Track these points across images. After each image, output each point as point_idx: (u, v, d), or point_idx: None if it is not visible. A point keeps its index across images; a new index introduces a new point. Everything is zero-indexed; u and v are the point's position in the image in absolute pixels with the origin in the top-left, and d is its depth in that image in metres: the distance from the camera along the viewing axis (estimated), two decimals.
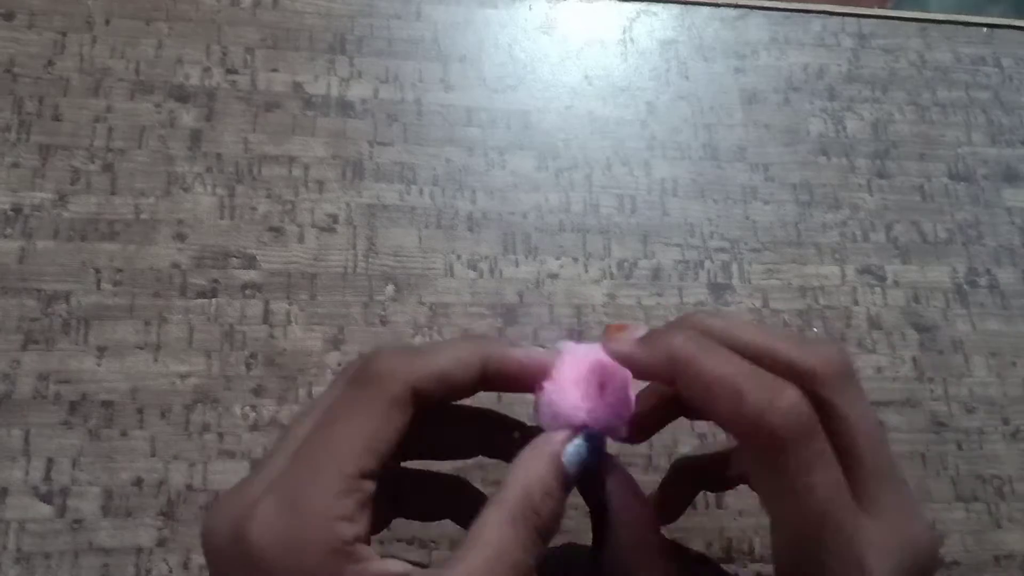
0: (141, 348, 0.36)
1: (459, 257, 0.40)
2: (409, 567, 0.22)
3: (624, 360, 0.24)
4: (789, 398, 0.20)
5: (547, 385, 0.25)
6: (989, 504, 0.39)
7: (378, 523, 0.27)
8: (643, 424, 0.27)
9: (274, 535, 0.20)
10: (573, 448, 0.24)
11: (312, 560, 0.20)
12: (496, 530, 0.22)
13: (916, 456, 0.39)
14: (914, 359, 0.42)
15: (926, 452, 0.40)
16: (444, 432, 0.28)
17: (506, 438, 0.28)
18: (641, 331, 0.24)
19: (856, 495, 0.22)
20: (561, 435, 0.24)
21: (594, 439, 0.24)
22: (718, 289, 0.42)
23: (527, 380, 0.25)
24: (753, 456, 0.22)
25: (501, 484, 0.23)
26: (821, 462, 0.21)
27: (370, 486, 0.22)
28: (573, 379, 0.24)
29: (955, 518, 0.38)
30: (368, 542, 0.22)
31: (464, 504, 0.29)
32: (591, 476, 0.25)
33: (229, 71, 0.42)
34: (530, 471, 0.23)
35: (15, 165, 0.38)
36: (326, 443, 0.22)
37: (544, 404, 0.25)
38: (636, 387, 0.26)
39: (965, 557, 0.38)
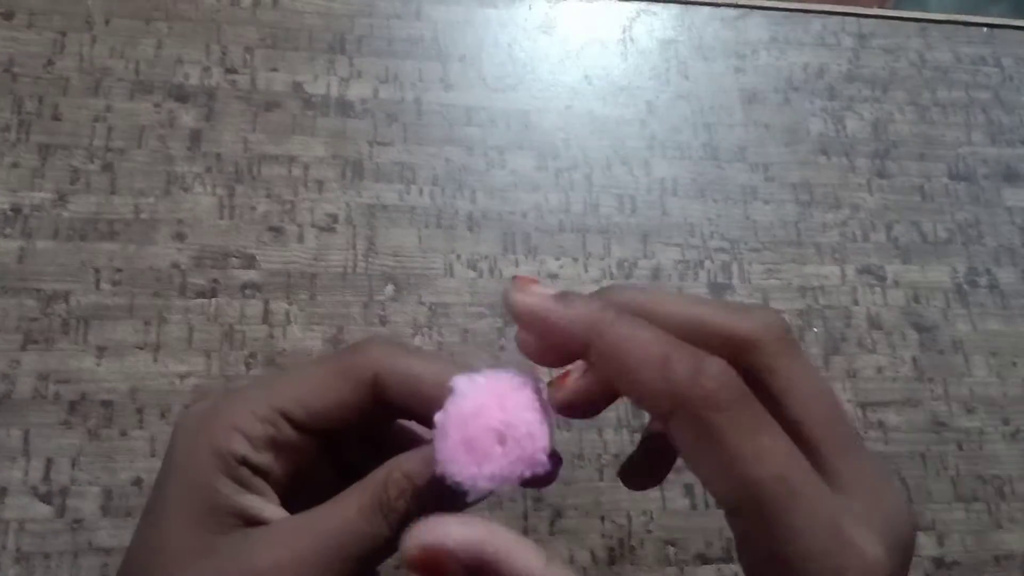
0: (141, 348, 0.36)
1: (459, 257, 0.40)
2: (272, 513, 0.22)
3: (534, 318, 0.20)
4: (715, 364, 0.18)
5: (438, 447, 0.20)
6: (989, 504, 0.39)
7: None
8: (582, 409, 0.22)
9: (186, 426, 0.22)
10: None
11: (201, 456, 0.21)
12: (346, 510, 0.21)
13: (916, 456, 0.39)
14: (914, 359, 0.42)
15: (926, 452, 0.40)
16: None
17: None
18: (551, 291, 0.20)
19: (815, 466, 0.19)
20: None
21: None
22: (718, 289, 0.41)
23: (429, 408, 0.21)
24: (683, 434, 0.18)
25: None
26: (765, 427, 0.18)
27: (286, 429, 0.22)
28: (464, 440, 0.20)
29: (955, 518, 0.38)
30: (272, 486, 0.22)
31: None
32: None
33: (229, 71, 0.42)
34: (403, 465, 0.21)
35: (15, 165, 0.38)
36: (281, 379, 0.24)
37: (443, 476, 0.20)
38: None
39: (965, 557, 0.38)
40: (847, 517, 0.18)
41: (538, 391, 0.21)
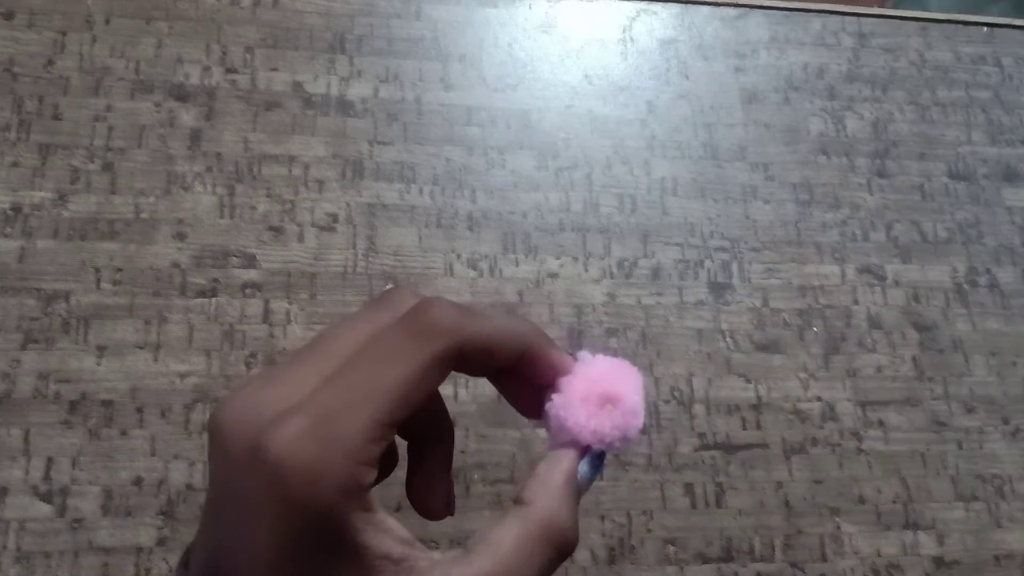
0: (141, 347, 0.36)
1: (459, 256, 0.40)
2: (411, 538, 0.22)
3: None
4: None
5: (556, 398, 0.25)
6: (989, 503, 0.39)
7: (381, 472, 0.27)
8: None
9: (297, 458, 0.20)
10: (585, 467, 0.24)
11: (327, 494, 0.20)
12: (515, 543, 0.21)
13: (916, 455, 0.39)
14: (914, 358, 0.42)
15: (926, 451, 0.40)
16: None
17: None
18: None
19: None
20: (574, 453, 0.24)
21: (603, 456, 0.25)
22: (718, 288, 0.42)
23: (550, 380, 0.25)
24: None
25: (521, 494, 0.23)
26: None
27: (392, 436, 0.21)
28: (582, 396, 0.25)
29: (955, 517, 0.38)
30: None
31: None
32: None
33: (229, 70, 0.42)
34: (552, 488, 0.23)
35: (15, 164, 0.38)
36: (369, 380, 0.21)
37: (552, 417, 0.25)
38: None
39: (965, 556, 0.38)
40: None
41: (643, 383, 0.25)
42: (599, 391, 0.25)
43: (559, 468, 0.24)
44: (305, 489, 0.20)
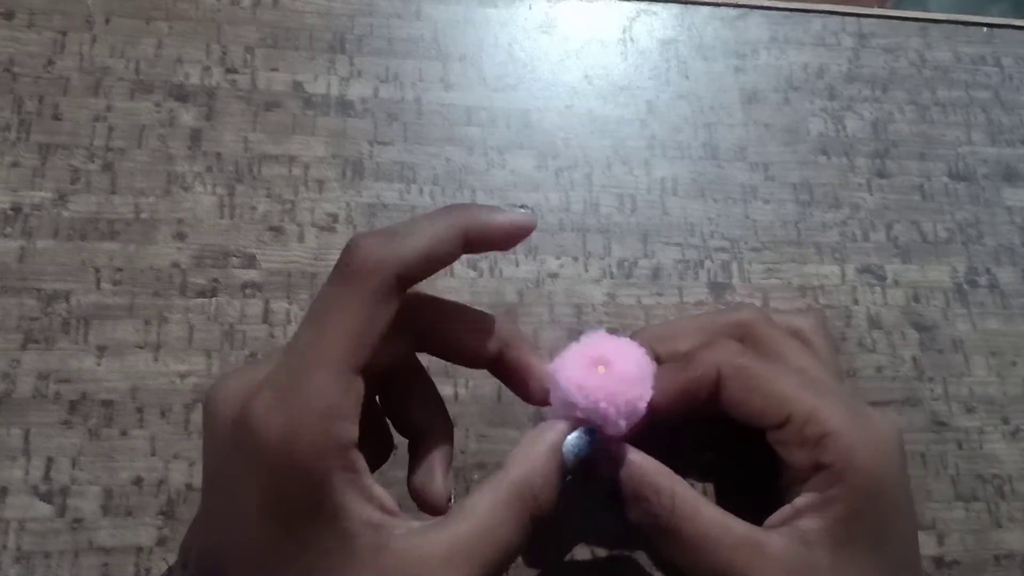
0: (141, 347, 0.36)
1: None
2: (396, 507, 0.22)
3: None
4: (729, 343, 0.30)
5: (555, 361, 0.26)
6: (989, 503, 0.39)
7: (377, 456, 0.28)
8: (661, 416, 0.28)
9: (271, 424, 0.20)
10: (573, 440, 0.25)
11: (303, 454, 0.20)
12: (489, 506, 0.22)
13: (916, 456, 0.39)
14: (914, 358, 0.42)
15: (926, 452, 0.40)
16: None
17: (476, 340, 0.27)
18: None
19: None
20: (562, 425, 0.25)
21: (593, 433, 0.25)
22: (718, 288, 0.42)
23: (511, 242, 0.26)
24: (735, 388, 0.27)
25: (502, 463, 0.24)
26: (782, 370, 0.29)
27: (360, 385, 0.22)
28: (580, 361, 0.26)
29: (955, 517, 0.38)
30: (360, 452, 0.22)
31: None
32: (591, 468, 0.26)
33: (229, 70, 0.42)
34: (532, 456, 0.23)
35: (15, 164, 0.38)
36: (316, 339, 0.22)
37: (549, 379, 0.26)
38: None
39: (965, 556, 0.38)
40: (857, 401, 0.28)
41: (648, 359, 0.27)
42: (592, 354, 0.26)
43: (542, 437, 0.24)
44: (282, 453, 0.20)
